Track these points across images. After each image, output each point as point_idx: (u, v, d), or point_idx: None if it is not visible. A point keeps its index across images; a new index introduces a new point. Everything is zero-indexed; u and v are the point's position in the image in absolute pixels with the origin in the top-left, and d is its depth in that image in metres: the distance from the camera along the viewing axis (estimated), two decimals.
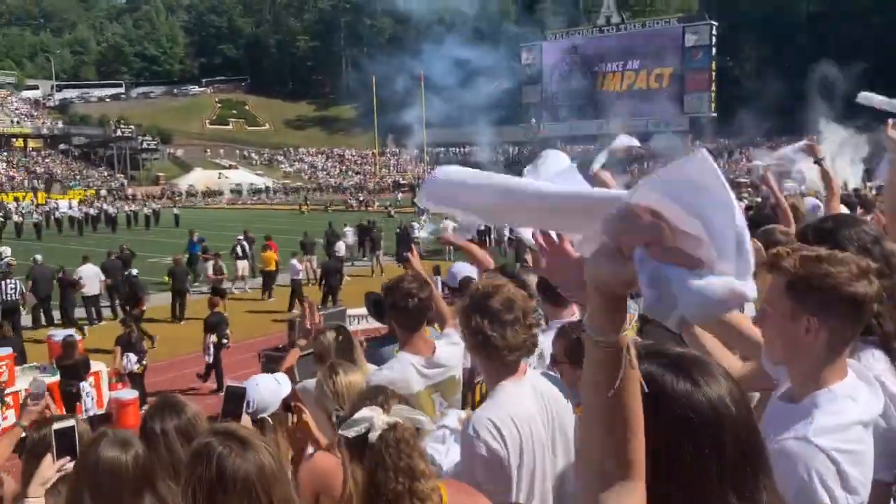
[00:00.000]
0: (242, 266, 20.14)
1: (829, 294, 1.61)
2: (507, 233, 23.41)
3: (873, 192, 10.03)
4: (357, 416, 1.80)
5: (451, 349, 3.30)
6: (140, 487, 2.16)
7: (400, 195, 56.93)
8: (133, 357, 10.20)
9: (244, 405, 2.74)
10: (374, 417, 1.78)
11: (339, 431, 1.86)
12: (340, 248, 21.91)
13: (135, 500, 2.15)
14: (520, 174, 1.22)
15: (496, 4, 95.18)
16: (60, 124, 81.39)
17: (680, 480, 1.09)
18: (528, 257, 4.29)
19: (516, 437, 2.25)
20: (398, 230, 23.98)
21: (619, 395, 1.00)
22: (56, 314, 16.03)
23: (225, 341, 11.46)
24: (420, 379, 3.17)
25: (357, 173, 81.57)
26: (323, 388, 2.74)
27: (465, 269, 4.58)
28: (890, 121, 3.24)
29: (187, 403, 2.61)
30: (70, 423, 2.50)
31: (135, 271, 16.04)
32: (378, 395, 1.92)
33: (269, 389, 3.12)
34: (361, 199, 56.14)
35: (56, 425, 2.46)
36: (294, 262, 18.02)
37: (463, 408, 3.31)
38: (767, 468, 1.13)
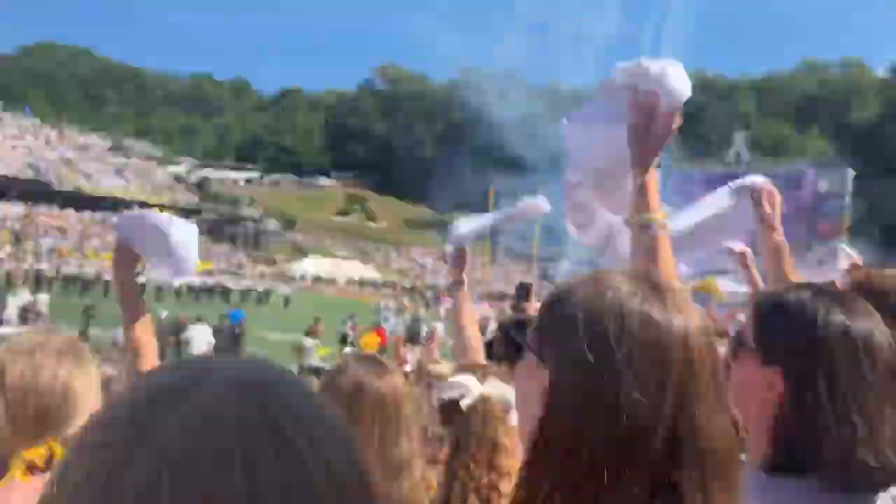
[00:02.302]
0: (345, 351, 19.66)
1: None
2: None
3: None
4: (454, 380, 1.93)
5: None
6: None
7: (509, 302, 56.15)
8: None
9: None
10: (471, 386, 1.89)
11: (435, 394, 2.02)
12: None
13: None
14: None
15: None
16: (195, 199, 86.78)
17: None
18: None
19: None
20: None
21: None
22: None
23: None
24: None
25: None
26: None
27: None
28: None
29: None
30: None
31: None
32: (477, 370, 2.03)
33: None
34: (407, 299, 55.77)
35: None
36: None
37: None
38: None
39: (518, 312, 3.07)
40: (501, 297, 68.91)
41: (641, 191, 1.50)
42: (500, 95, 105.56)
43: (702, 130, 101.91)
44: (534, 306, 3.54)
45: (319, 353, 18.30)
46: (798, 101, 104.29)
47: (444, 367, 2.79)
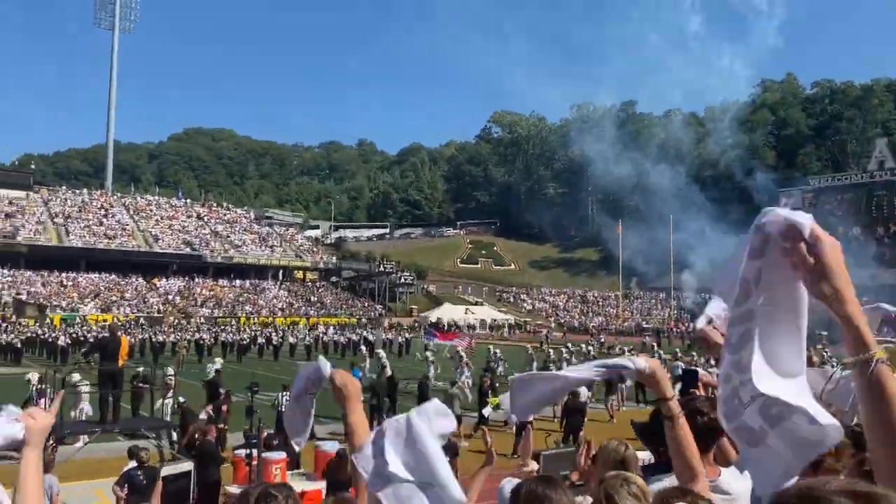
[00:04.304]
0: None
1: None
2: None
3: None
4: None
5: (739, 483, 3.07)
6: None
7: (646, 338, 55.29)
8: None
9: None
10: None
11: None
12: (582, 389, 21.53)
13: None
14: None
15: (749, 151, 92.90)
16: (334, 259, 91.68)
17: None
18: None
19: None
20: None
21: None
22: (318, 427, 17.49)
23: None
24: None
25: (598, 315, 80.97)
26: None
27: None
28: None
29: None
30: None
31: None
32: (687, 494, 1.95)
33: None
34: (602, 340, 55.37)
35: None
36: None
37: None
38: None
39: (701, 401, 2.89)
40: (639, 330, 67.95)
41: (849, 326, 1.34)
42: (615, 128, 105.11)
43: (838, 140, 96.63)
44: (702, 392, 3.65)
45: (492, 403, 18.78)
46: None
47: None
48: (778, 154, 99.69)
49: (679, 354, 23.69)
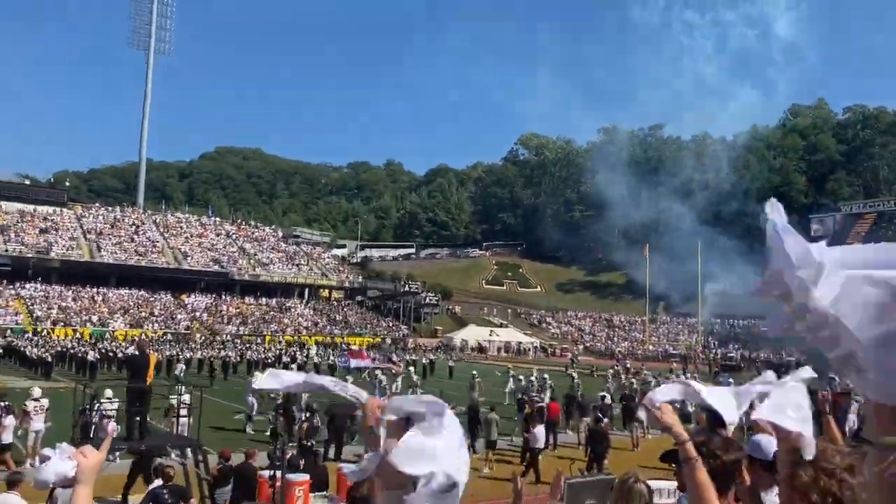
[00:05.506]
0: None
1: None
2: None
3: None
4: None
5: None
6: None
7: (673, 364, 54.61)
8: None
9: None
10: None
11: None
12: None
13: None
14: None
15: (779, 179, 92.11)
16: (360, 279, 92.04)
17: None
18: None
19: None
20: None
21: None
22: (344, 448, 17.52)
23: None
24: None
25: (624, 339, 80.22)
26: None
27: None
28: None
29: None
30: None
31: None
32: None
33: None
34: (628, 365, 54.74)
35: None
36: (538, 430, 17.38)
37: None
38: None
39: (715, 442, 2.61)
40: (666, 356, 67.12)
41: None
42: (642, 152, 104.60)
43: (871, 166, 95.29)
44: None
45: None
46: None
47: None
48: (808, 179, 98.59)
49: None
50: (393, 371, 29.83)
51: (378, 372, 24.70)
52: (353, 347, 40.91)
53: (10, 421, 15.12)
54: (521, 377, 27.60)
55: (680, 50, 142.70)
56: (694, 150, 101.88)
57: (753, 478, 3.22)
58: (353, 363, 25.42)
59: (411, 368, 32.53)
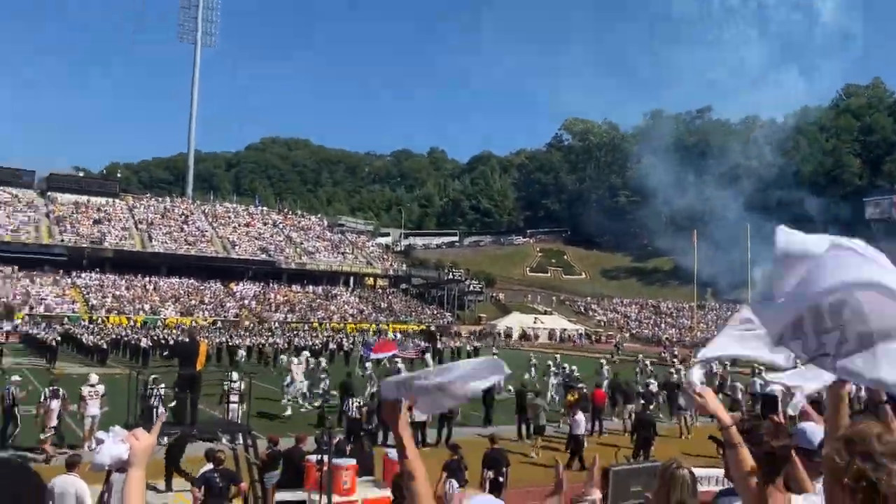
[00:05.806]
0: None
1: None
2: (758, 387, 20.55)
3: None
4: None
5: None
6: None
7: None
8: (455, 483, 10.62)
9: None
10: None
11: None
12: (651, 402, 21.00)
13: None
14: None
15: (832, 162, 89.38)
16: (404, 267, 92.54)
17: None
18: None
19: None
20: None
21: None
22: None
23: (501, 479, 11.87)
24: None
25: (672, 326, 79.07)
26: None
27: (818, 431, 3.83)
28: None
29: None
30: None
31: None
32: None
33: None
34: (676, 353, 53.93)
35: None
36: (579, 416, 17.43)
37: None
38: None
39: (764, 427, 2.56)
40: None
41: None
42: (689, 135, 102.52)
43: None
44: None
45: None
46: None
47: None
48: (863, 161, 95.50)
49: (758, 370, 22.48)
50: (410, 357, 30.77)
51: (398, 360, 24.75)
52: (380, 339, 40.94)
53: (55, 405, 15.62)
54: (565, 366, 27.20)
55: (727, 32, 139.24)
56: (742, 134, 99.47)
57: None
58: (374, 356, 25.09)
59: (427, 356, 32.86)
